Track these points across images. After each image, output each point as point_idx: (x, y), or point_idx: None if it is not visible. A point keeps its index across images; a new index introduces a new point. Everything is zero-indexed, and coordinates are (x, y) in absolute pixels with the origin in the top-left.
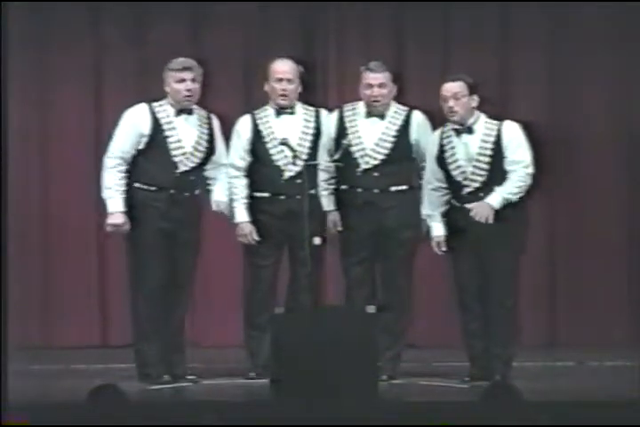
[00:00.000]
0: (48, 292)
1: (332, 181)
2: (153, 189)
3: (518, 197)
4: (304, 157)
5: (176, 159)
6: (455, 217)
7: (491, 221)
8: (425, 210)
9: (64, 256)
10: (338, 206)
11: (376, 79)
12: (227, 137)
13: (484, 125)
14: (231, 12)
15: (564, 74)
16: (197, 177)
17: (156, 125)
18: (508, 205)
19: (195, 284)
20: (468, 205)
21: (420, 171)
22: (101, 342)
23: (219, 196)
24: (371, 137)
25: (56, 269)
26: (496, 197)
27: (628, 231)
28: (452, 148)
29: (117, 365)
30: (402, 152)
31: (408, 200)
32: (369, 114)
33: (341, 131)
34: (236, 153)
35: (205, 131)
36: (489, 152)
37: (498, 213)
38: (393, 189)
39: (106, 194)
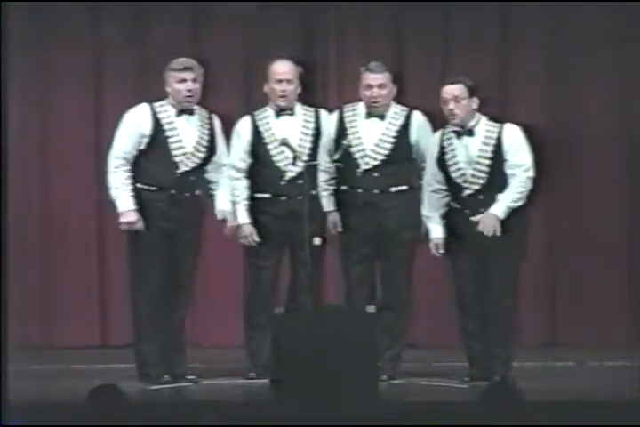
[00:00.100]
0: (48, 292)
1: (332, 181)
2: (153, 189)
3: (521, 203)
4: (304, 157)
5: (177, 159)
6: (455, 219)
7: (498, 233)
8: (425, 211)
9: (64, 256)
10: (338, 207)
11: (376, 80)
12: (227, 137)
13: (484, 128)
14: (231, 12)
15: (563, 74)
16: (198, 177)
17: (157, 126)
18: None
19: (195, 284)
20: (473, 218)
21: (420, 171)
22: (101, 342)
23: (223, 205)
24: (371, 138)
25: (56, 269)
26: (500, 207)
27: (628, 231)
28: (453, 150)
29: (117, 365)
30: (402, 153)
31: (408, 201)
32: (369, 114)
33: (341, 131)
34: (236, 154)
35: (206, 131)
36: (489, 155)
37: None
38: (393, 189)
39: (114, 194)
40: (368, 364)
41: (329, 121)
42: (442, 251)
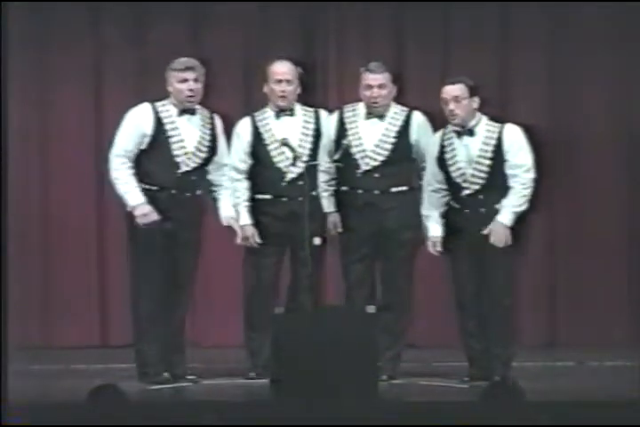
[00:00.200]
0: (48, 292)
1: (333, 182)
2: (154, 188)
3: (526, 207)
4: (305, 158)
5: (178, 159)
6: (454, 219)
7: (510, 242)
8: (424, 210)
9: (64, 256)
10: (338, 208)
11: (376, 80)
12: (227, 137)
13: (485, 128)
14: (231, 12)
15: (564, 74)
16: (199, 177)
17: (159, 125)
18: None
19: (195, 284)
20: (484, 232)
21: (421, 172)
22: (101, 342)
23: (227, 211)
24: (371, 138)
25: (56, 269)
26: (507, 216)
27: (628, 231)
28: (453, 149)
29: (117, 365)
30: (402, 153)
31: (408, 201)
32: (369, 115)
33: (342, 132)
34: (236, 155)
35: (208, 131)
36: (489, 155)
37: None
38: (393, 190)
39: (122, 189)
40: (368, 364)
41: (329, 121)
42: (439, 249)
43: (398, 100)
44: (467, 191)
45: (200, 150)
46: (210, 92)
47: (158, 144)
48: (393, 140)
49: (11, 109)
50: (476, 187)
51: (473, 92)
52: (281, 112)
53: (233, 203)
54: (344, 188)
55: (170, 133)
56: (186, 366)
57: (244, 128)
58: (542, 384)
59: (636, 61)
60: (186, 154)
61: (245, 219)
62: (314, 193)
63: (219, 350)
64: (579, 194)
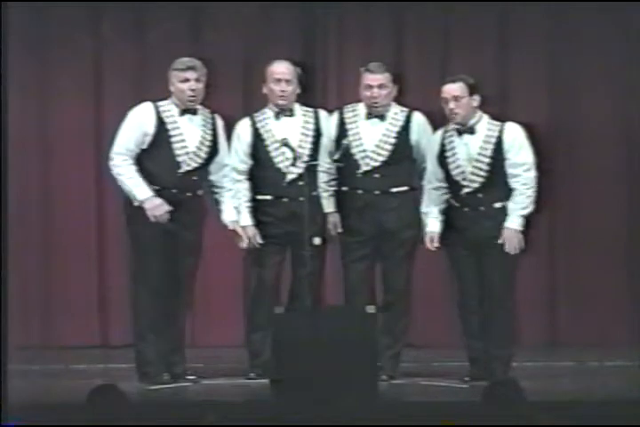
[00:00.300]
0: (48, 292)
1: (333, 182)
2: (155, 188)
3: (532, 208)
4: (305, 158)
5: (179, 159)
6: (454, 217)
7: (523, 245)
8: (423, 207)
9: (64, 256)
10: (338, 208)
11: (375, 80)
12: (228, 138)
13: (486, 126)
14: (231, 13)
15: (564, 74)
16: (200, 177)
17: (161, 125)
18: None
19: (195, 284)
20: (499, 242)
21: (421, 172)
22: (101, 342)
23: (231, 215)
24: (371, 138)
25: (56, 270)
26: (516, 220)
27: (628, 231)
28: (453, 148)
29: (117, 365)
30: (402, 153)
31: (408, 201)
32: (369, 115)
33: (342, 132)
34: (236, 156)
35: (209, 131)
36: (489, 153)
37: (498, 216)
38: (393, 190)
39: (129, 184)
40: (368, 364)
41: (329, 122)
42: (436, 245)
43: (398, 100)
44: (466, 190)
45: (201, 150)
46: (210, 92)
47: (160, 144)
48: (393, 140)
49: (11, 109)
50: (476, 185)
51: (473, 90)
52: (280, 112)
53: (235, 204)
54: (344, 188)
55: (171, 133)
56: (186, 366)
57: (243, 129)
58: (542, 384)
59: (636, 61)
60: (187, 154)
61: (246, 220)
62: (314, 193)
63: (219, 350)
64: (579, 193)
